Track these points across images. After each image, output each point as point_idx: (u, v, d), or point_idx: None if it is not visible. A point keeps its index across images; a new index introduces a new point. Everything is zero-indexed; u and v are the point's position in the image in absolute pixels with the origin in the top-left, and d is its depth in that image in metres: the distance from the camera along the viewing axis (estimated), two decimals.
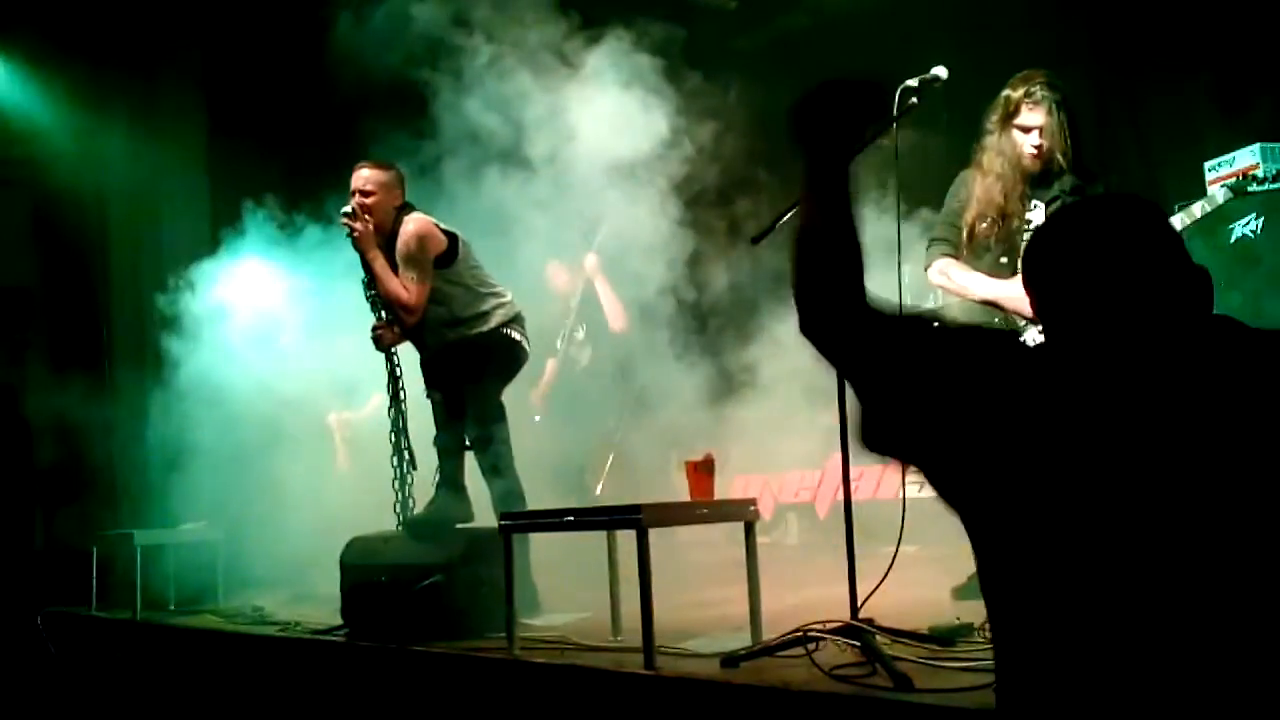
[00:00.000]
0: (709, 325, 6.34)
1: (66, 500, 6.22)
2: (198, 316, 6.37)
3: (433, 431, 4.31)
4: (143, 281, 7.09)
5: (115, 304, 7.18)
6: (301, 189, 6.36)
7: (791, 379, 5.88)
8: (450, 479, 4.16)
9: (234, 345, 6.33)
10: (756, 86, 6.57)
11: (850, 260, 1.70)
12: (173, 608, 5.12)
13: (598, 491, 5.78)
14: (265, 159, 6.62)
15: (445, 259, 4.25)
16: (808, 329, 1.74)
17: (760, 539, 3.36)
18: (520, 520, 3.45)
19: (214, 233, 6.83)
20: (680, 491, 3.50)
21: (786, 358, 5.83)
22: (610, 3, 6.13)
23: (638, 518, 2.95)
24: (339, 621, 4.02)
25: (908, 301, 4.70)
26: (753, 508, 3.26)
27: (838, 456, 3.13)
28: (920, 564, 4.51)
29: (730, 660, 2.84)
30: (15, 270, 7.12)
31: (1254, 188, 3.46)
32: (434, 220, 4.30)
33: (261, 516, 5.43)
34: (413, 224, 4.22)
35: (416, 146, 5.69)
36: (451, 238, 4.29)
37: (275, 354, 6.32)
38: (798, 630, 2.92)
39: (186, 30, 7.28)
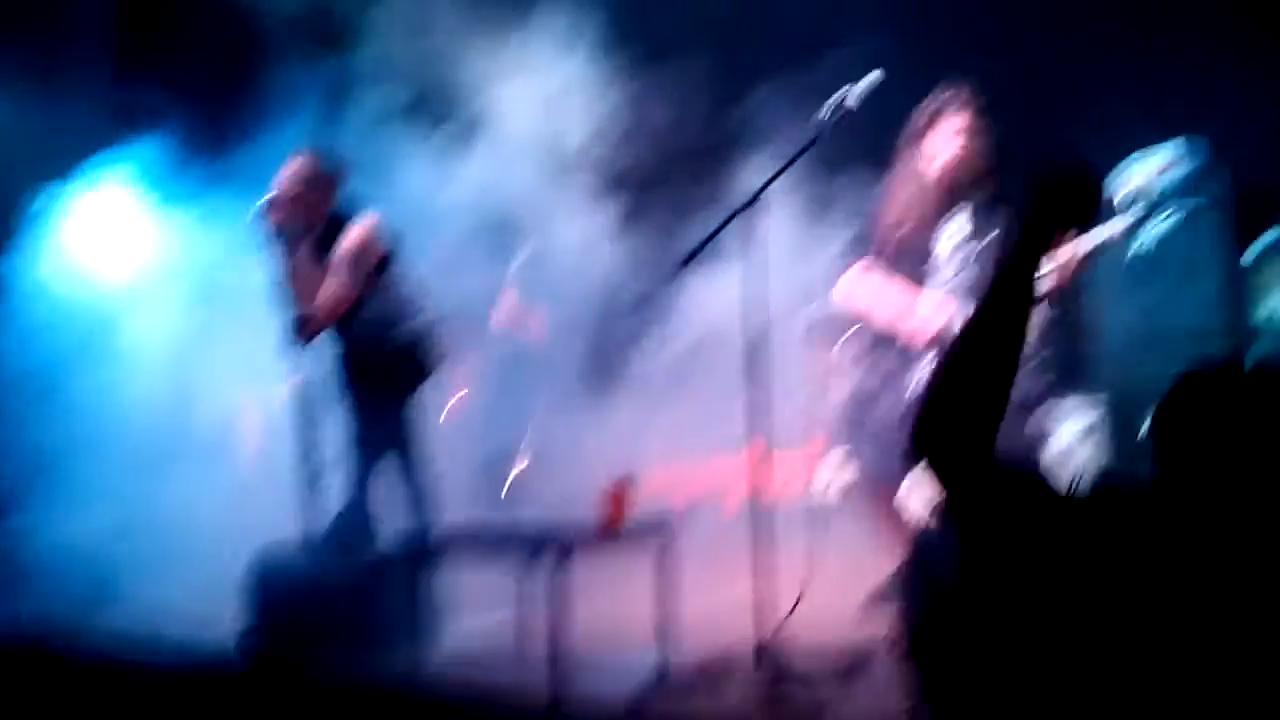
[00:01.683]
0: (632, 311, 6.27)
1: None
2: (82, 278, 5.89)
3: (344, 436, 4.20)
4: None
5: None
6: (210, 134, 5.90)
7: (703, 373, 5.85)
8: (361, 486, 4.07)
9: (123, 314, 5.84)
10: (681, 69, 6.48)
11: (1004, 399, 1.59)
12: (62, 615, 4.88)
13: (503, 491, 5.64)
14: (175, 104, 6.20)
15: (379, 266, 4.17)
16: (925, 446, 1.60)
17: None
18: (433, 543, 3.38)
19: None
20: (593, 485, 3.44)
21: (701, 349, 5.80)
22: None
23: (553, 546, 2.90)
24: (241, 632, 3.91)
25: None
26: (668, 528, 3.23)
27: (749, 451, 3.13)
28: (829, 568, 4.54)
29: (639, 692, 2.82)
30: None
31: (1154, 217, 3.48)
32: (376, 225, 4.18)
33: (162, 515, 5.13)
34: (358, 229, 4.12)
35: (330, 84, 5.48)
36: (390, 246, 4.21)
37: (173, 328, 5.83)
38: (706, 660, 2.92)
39: None
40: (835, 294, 3.98)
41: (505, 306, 5.56)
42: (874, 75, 3.42)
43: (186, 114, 5.96)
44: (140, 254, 6.00)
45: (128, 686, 3.85)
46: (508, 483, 5.37)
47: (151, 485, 5.24)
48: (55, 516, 5.21)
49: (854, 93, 3.39)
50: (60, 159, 6.09)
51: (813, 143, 3.42)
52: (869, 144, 4.58)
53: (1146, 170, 4.92)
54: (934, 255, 3.89)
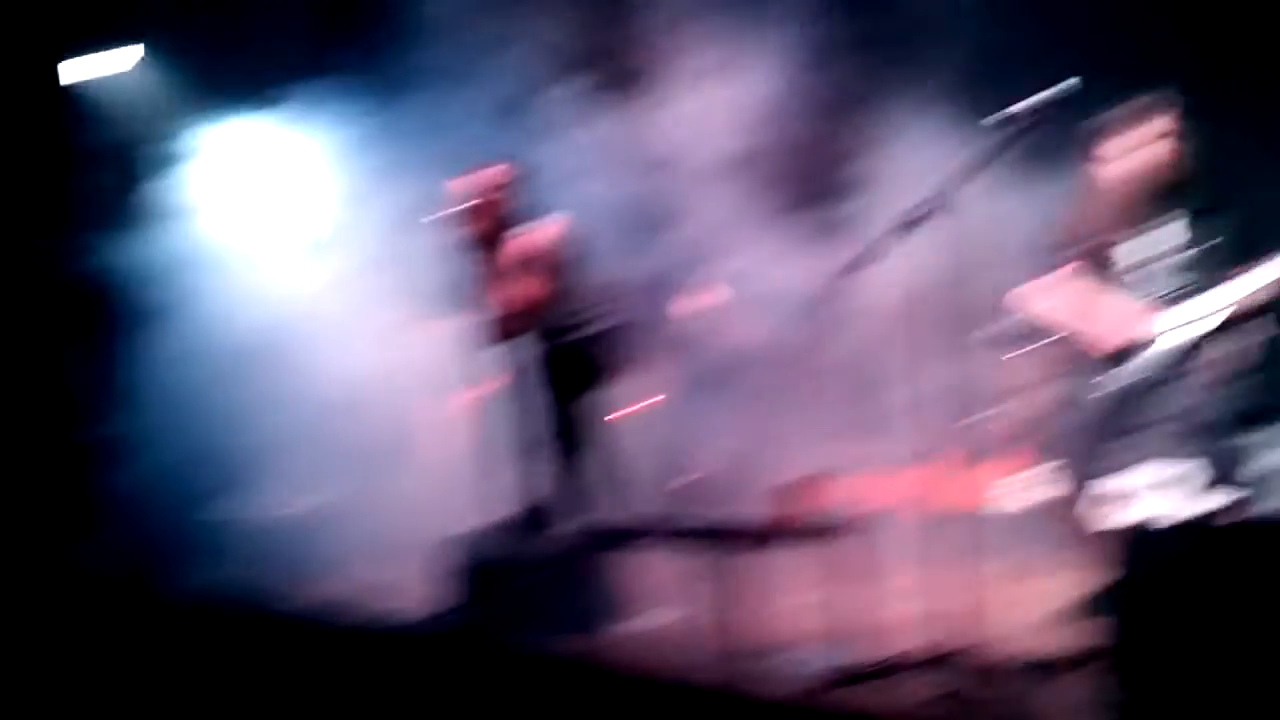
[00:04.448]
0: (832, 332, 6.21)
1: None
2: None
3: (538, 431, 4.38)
4: None
5: None
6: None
7: (885, 381, 5.78)
8: (554, 478, 4.25)
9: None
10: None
11: None
12: (262, 587, 5.05)
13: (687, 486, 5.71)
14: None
15: (568, 267, 4.35)
16: None
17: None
18: (618, 534, 3.53)
19: None
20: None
21: (883, 357, 5.73)
22: None
23: (732, 541, 2.99)
24: (442, 610, 4.11)
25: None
26: (845, 529, 3.27)
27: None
28: (1020, 578, 4.46)
29: (838, 680, 2.86)
30: None
31: None
32: (563, 227, 4.37)
33: (369, 493, 5.41)
34: (545, 231, 4.33)
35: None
36: (580, 241, 4.39)
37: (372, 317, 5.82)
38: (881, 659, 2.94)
39: None
40: (1025, 300, 3.93)
41: (707, 308, 5.53)
42: (1070, 82, 3.38)
43: (373, 76, 5.88)
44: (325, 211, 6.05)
45: (335, 647, 4.10)
46: (691, 478, 5.45)
47: (356, 474, 5.52)
48: (268, 499, 5.56)
49: (1047, 99, 3.36)
50: (249, 98, 6.21)
51: (1001, 149, 3.40)
52: (1062, 150, 4.49)
53: None
54: (1128, 265, 3.79)
